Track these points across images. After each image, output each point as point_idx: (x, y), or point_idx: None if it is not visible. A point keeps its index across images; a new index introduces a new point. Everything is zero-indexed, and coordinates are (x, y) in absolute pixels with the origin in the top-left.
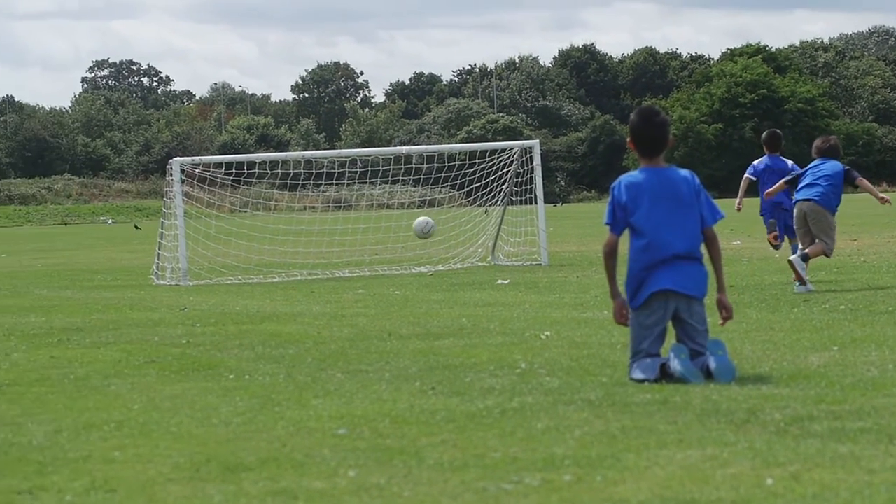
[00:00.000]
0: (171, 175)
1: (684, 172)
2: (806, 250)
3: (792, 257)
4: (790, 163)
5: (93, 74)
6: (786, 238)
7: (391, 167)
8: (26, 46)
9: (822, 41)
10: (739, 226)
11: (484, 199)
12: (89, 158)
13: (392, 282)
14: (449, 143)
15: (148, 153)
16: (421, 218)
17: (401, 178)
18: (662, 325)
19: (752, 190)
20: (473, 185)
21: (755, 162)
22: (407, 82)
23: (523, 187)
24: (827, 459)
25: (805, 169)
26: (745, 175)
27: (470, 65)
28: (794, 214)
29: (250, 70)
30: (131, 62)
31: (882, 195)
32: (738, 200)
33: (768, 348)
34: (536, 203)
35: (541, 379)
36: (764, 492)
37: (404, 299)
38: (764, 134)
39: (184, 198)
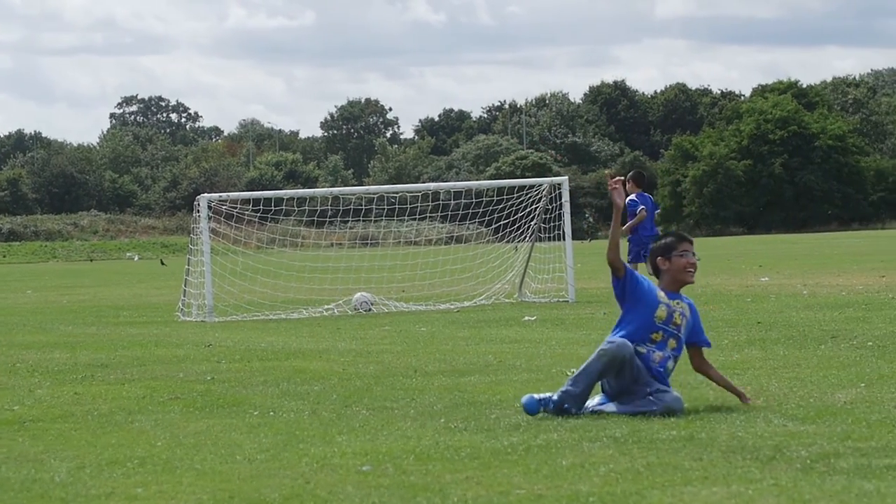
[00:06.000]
0: (199, 211)
1: None
2: None
3: None
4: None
5: (121, 110)
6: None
7: (419, 204)
8: (53, 82)
9: (854, 77)
10: (768, 262)
11: (512, 235)
12: (116, 194)
13: (418, 318)
14: (477, 180)
15: (175, 189)
16: (360, 294)
17: (429, 214)
18: None
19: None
20: (502, 222)
21: (634, 198)
22: (436, 118)
23: (552, 224)
24: (853, 497)
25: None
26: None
27: (499, 101)
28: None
29: (278, 106)
30: (160, 98)
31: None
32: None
33: (795, 385)
34: (564, 240)
35: (566, 416)
36: None
37: (430, 336)
38: (633, 172)
39: (210, 234)
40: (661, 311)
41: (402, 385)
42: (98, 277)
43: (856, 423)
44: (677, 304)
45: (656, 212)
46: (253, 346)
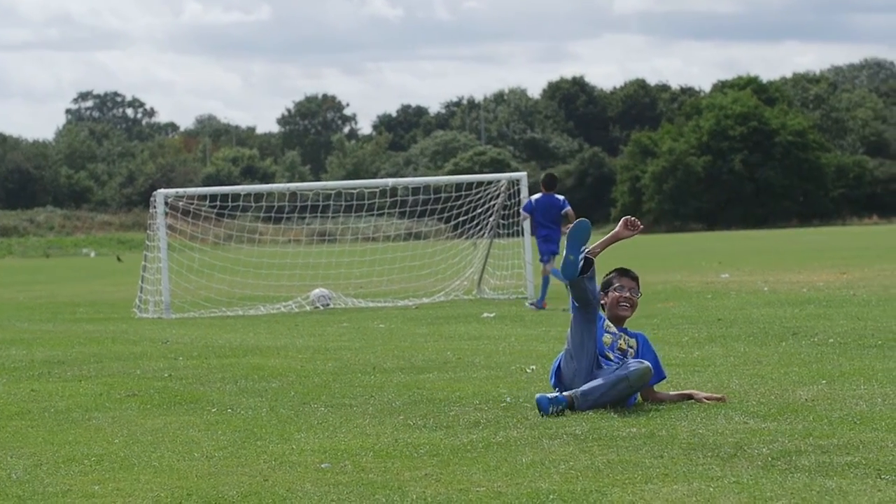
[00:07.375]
0: (155, 207)
1: None
2: None
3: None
4: (562, 198)
5: (77, 106)
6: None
7: (377, 200)
8: (8, 77)
9: (814, 73)
10: (728, 259)
11: (470, 231)
12: (72, 190)
13: (376, 315)
14: (435, 176)
15: (131, 185)
16: (318, 290)
17: (386, 210)
18: None
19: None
20: (460, 218)
21: (532, 199)
22: (394, 114)
23: (510, 220)
24: (814, 494)
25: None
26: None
27: (458, 97)
28: None
29: (235, 102)
30: (115, 94)
31: None
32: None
33: (756, 382)
34: (523, 236)
35: (526, 413)
36: None
37: (389, 333)
38: (543, 175)
39: (167, 230)
40: (606, 338)
41: (360, 382)
42: (54, 274)
43: (817, 420)
44: (621, 336)
45: (564, 210)
46: (210, 343)
